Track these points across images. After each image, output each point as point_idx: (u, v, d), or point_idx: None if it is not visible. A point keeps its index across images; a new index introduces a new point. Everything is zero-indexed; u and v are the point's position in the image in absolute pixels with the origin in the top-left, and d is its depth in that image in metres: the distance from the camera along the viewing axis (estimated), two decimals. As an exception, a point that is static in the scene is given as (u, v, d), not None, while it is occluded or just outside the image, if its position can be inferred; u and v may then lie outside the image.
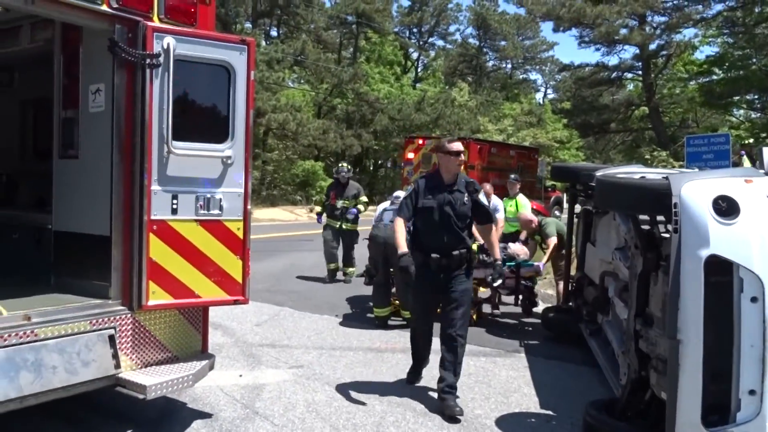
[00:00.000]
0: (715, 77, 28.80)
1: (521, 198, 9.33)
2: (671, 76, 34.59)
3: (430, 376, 5.52)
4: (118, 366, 3.83)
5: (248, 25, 35.06)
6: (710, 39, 30.67)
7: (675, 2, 28.79)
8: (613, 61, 33.06)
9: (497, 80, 56.09)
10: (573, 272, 7.46)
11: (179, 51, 3.95)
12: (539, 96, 59.98)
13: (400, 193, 8.30)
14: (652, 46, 30.15)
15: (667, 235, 3.87)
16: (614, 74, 33.34)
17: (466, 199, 4.81)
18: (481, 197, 5.00)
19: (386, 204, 8.10)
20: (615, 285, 5.26)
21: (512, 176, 9.81)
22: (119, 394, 4.45)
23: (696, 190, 3.41)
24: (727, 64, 27.99)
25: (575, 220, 7.62)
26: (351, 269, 10.41)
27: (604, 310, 5.80)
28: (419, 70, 52.14)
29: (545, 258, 8.06)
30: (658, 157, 22.68)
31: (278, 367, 5.68)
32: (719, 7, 27.20)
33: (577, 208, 7.56)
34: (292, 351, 6.23)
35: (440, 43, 53.04)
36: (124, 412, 4.47)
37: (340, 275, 10.48)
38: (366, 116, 35.87)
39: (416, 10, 49.03)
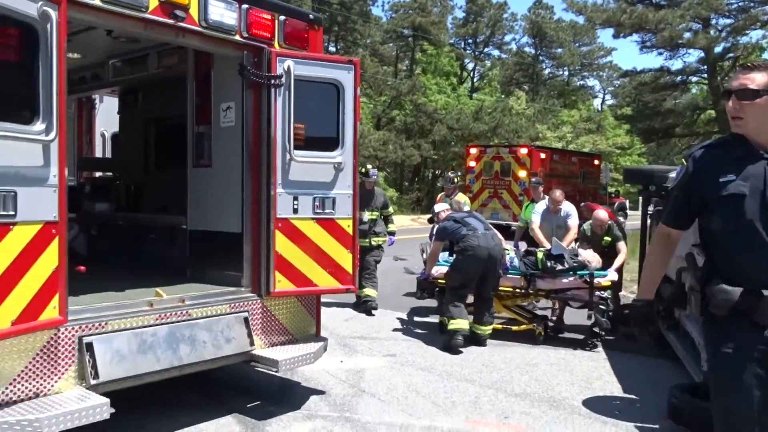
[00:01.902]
0: (785, 78, 28.06)
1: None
2: (738, 78, 33.81)
3: (501, 359, 5.94)
4: (252, 344, 4.43)
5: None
6: (779, 40, 29.94)
7: (740, 4, 28.24)
8: (676, 65, 32.70)
9: (554, 87, 55.79)
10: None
11: (297, 72, 4.55)
12: (597, 102, 59.28)
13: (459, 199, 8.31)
14: (718, 49, 29.58)
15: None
16: (678, 78, 32.79)
17: None
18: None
19: (445, 207, 7.79)
20: (693, 280, 5.53)
21: (534, 180, 9.18)
22: (233, 376, 5.07)
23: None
24: (797, 65, 27.24)
25: (648, 221, 7.85)
26: (375, 293, 8.38)
27: (681, 305, 6.07)
28: (475, 80, 52.38)
29: (617, 264, 7.42)
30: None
31: (373, 355, 6.21)
32: (787, 7, 26.60)
33: (650, 209, 7.78)
34: (383, 342, 6.75)
35: (496, 52, 53.25)
36: (247, 388, 5.07)
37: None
38: (425, 127, 36.40)
39: (471, 22, 49.48)
